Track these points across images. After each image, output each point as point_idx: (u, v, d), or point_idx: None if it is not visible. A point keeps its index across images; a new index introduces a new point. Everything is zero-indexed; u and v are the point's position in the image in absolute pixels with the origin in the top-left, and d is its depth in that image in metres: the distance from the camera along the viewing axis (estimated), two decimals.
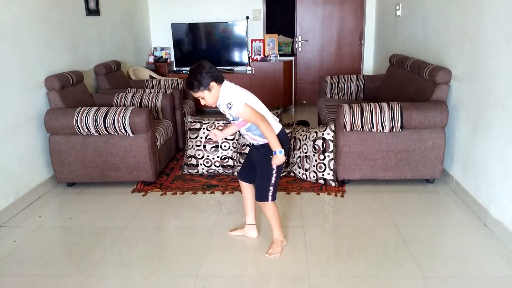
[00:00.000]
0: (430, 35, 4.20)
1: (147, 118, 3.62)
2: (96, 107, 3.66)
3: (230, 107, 2.41)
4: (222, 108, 2.47)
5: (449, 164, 3.71)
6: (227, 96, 2.42)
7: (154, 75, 6.26)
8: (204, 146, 3.99)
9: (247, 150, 3.85)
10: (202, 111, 6.85)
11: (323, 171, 3.71)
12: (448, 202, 3.43)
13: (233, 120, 2.54)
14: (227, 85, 2.45)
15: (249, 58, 6.90)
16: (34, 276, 2.57)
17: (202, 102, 2.45)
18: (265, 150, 2.58)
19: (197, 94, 2.40)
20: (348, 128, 3.53)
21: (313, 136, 3.75)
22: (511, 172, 2.74)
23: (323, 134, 3.69)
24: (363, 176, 3.67)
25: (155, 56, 6.85)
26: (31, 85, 3.68)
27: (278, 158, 2.50)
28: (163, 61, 6.82)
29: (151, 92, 4.55)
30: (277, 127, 2.56)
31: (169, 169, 4.26)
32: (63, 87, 3.88)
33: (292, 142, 3.98)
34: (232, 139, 3.99)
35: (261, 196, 2.66)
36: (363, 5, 6.83)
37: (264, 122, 2.43)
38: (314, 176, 3.77)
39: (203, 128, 4.02)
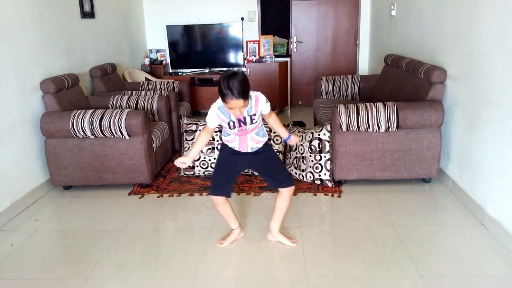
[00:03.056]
0: (425, 34, 4.22)
1: (143, 120, 3.62)
2: (92, 110, 3.65)
3: (268, 102, 2.53)
4: (261, 107, 2.47)
5: (445, 163, 3.72)
6: (263, 96, 2.51)
7: (149, 77, 6.25)
8: None
9: None
10: (198, 113, 6.84)
11: (320, 171, 3.72)
12: (444, 201, 3.44)
13: (251, 123, 2.49)
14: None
15: (244, 59, 6.91)
16: (31, 280, 2.56)
17: (237, 114, 2.35)
18: (267, 146, 2.67)
19: (244, 104, 2.30)
20: (344, 128, 3.53)
21: (309, 137, 3.75)
22: (507, 170, 2.75)
23: (319, 135, 3.70)
24: (359, 176, 3.68)
25: (150, 58, 6.85)
26: (26, 88, 3.66)
27: (294, 139, 2.77)
28: (158, 63, 6.81)
29: (146, 95, 4.54)
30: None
31: (165, 171, 4.25)
32: (58, 90, 3.87)
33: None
34: None
35: (291, 179, 2.73)
36: (357, 5, 6.84)
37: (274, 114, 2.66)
38: (310, 177, 3.77)
39: (199, 130, 4.02)
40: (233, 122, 2.45)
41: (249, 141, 2.55)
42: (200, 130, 4.01)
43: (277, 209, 2.79)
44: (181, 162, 2.55)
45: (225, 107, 2.36)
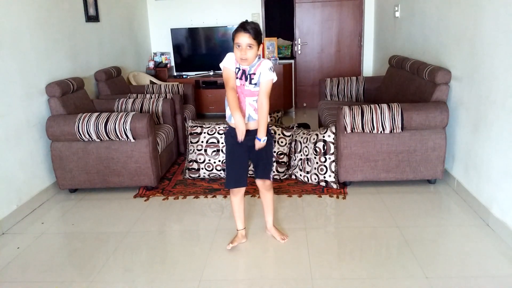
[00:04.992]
0: (429, 35, 4.21)
1: (148, 123, 3.63)
2: (97, 113, 3.67)
3: (272, 71, 2.54)
4: (261, 70, 2.52)
5: (451, 164, 3.71)
6: (269, 62, 2.56)
7: (154, 80, 6.28)
8: (205, 150, 4.00)
9: None
10: (202, 116, 6.86)
11: (325, 173, 3.72)
12: (450, 202, 3.43)
13: (250, 83, 2.55)
14: None
15: None
16: (37, 283, 2.58)
17: (243, 55, 2.44)
18: (270, 136, 2.72)
19: (251, 41, 2.42)
20: (348, 130, 3.53)
21: (314, 139, 3.75)
22: None
23: (323, 136, 3.70)
24: (364, 178, 3.68)
25: (155, 61, 6.87)
26: (32, 92, 3.69)
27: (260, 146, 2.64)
28: (163, 66, 6.84)
29: (151, 98, 4.56)
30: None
31: (170, 174, 4.26)
32: (64, 94, 3.89)
33: (293, 145, 3.99)
34: None
35: (267, 174, 2.81)
36: (362, 6, 6.84)
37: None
38: (315, 179, 3.77)
39: (204, 133, 4.03)
40: (239, 69, 2.55)
41: (248, 106, 2.59)
42: (205, 133, 4.02)
43: (265, 206, 2.93)
44: (242, 135, 2.55)
45: (234, 47, 2.48)
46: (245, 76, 2.55)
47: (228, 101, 2.54)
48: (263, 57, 6.89)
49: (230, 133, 2.66)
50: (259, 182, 2.83)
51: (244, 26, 2.43)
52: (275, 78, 2.57)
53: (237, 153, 2.69)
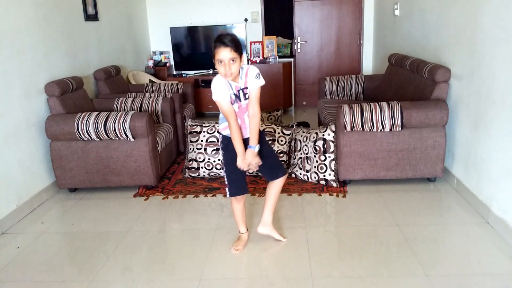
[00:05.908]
0: (428, 33, 4.21)
1: (147, 122, 3.63)
2: (97, 112, 3.66)
3: (259, 78, 2.46)
4: (249, 80, 2.44)
5: (450, 162, 3.71)
6: (255, 69, 2.48)
7: (153, 79, 6.27)
8: (205, 149, 3.99)
9: None
10: (202, 115, 6.86)
11: (324, 172, 3.72)
12: (450, 201, 3.43)
13: (245, 99, 2.49)
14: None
15: (248, 60, 6.91)
16: (37, 282, 2.57)
17: (228, 70, 2.33)
18: (262, 134, 2.66)
19: (233, 55, 2.31)
20: (348, 128, 3.53)
21: (313, 137, 3.75)
22: None
23: (323, 135, 3.69)
24: (364, 176, 3.67)
25: (154, 60, 6.87)
26: (31, 92, 3.68)
27: (249, 157, 2.55)
28: (162, 65, 6.83)
29: (151, 96, 4.55)
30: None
31: (170, 173, 4.26)
32: (63, 93, 3.89)
33: (292, 143, 3.99)
34: None
35: (284, 170, 2.78)
36: (361, 5, 6.84)
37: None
38: (315, 177, 3.77)
39: (204, 132, 4.03)
40: (234, 94, 2.46)
41: (246, 119, 2.54)
42: (205, 132, 4.02)
43: (270, 199, 2.81)
44: (249, 164, 2.55)
45: (215, 63, 2.38)
46: (239, 96, 2.47)
47: (232, 132, 2.48)
48: (262, 56, 6.88)
49: (230, 143, 2.57)
50: (279, 180, 2.74)
51: (222, 40, 2.30)
52: (263, 83, 2.49)
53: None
